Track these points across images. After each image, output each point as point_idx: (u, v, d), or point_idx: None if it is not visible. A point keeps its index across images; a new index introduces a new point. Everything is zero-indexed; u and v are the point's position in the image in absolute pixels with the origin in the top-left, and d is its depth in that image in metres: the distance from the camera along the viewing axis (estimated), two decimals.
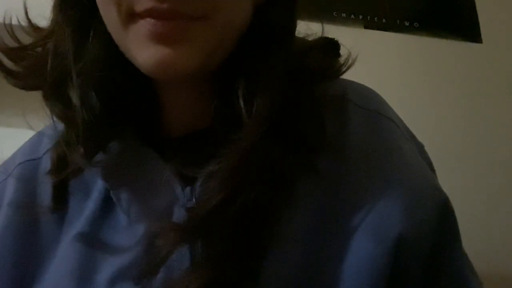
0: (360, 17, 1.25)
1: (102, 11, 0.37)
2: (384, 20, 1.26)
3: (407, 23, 1.27)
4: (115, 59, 0.39)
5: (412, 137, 0.45)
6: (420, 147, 0.45)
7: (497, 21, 1.30)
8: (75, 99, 0.39)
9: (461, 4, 1.32)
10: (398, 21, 1.27)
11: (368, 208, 0.38)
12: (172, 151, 0.41)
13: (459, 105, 1.22)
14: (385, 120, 0.43)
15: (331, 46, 0.43)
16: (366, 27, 1.25)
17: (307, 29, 0.43)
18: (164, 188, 0.40)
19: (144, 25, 0.34)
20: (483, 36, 1.28)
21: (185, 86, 0.42)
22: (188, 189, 0.40)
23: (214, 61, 0.38)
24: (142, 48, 0.35)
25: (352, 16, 1.24)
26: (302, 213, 0.38)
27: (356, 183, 0.39)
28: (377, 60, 1.12)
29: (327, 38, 0.43)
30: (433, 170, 0.44)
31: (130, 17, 0.35)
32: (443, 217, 0.39)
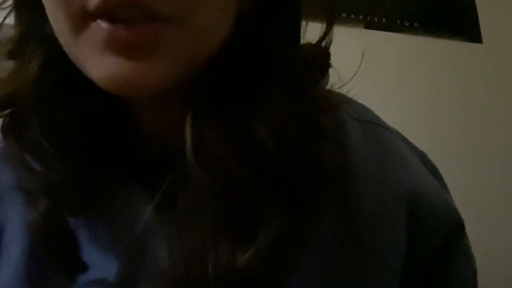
0: (360, 17, 1.25)
1: (49, 15, 0.30)
2: (384, 20, 1.26)
3: (407, 23, 1.27)
4: (65, 76, 0.33)
5: (413, 147, 0.43)
6: (422, 156, 0.43)
7: (497, 21, 1.30)
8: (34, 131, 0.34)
9: (461, 4, 1.32)
10: (398, 21, 1.27)
11: (376, 231, 0.36)
12: (148, 173, 0.36)
13: (459, 105, 1.22)
14: (386, 131, 0.40)
15: (320, 63, 0.38)
16: (366, 27, 1.25)
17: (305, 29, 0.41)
18: (134, 217, 0.35)
19: (98, 31, 0.27)
20: (483, 36, 1.28)
21: (156, 102, 0.35)
22: (164, 215, 0.34)
23: (189, 74, 0.31)
24: (96, 60, 0.28)
25: (352, 16, 1.24)
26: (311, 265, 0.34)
27: (363, 206, 0.36)
28: (377, 60, 1.12)
29: (319, 49, 0.37)
30: (438, 175, 0.43)
31: (82, 19, 0.28)
32: (453, 237, 0.38)
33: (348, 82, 0.37)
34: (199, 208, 0.32)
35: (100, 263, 0.35)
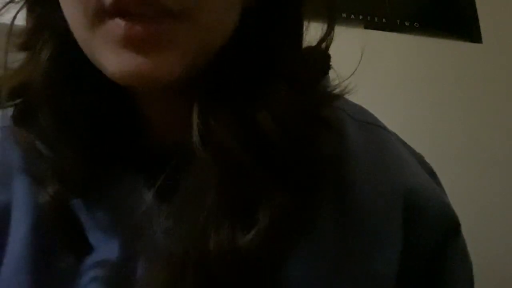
0: (360, 17, 1.25)
1: (65, 10, 0.32)
2: (384, 20, 1.26)
3: (407, 23, 1.27)
4: (72, 67, 0.35)
5: (411, 150, 0.43)
6: (419, 158, 0.42)
7: (497, 21, 1.30)
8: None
9: (461, 4, 1.32)
10: (398, 21, 1.27)
11: (372, 230, 0.36)
12: (152, 164, 0.37)
13: (459, 105, 1.22)
14: (384, 132, 0.41)
15: (321, 64, 0.39)
16: (366, 27, 1.25)
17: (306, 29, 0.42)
18: (135, 202, 0.36)
19: (114, 27, 0.29)
20: (483, 36, 1.28)
21: (161, 95, 0.37)
22: (166, 199, 0.35)
23: (197, 67, 0.33)
24: (112, 55, 0.30)
25: (352, 16, 1.24)
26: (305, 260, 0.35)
27: (361, 203, 0.37)
28: (377, 60, 1.12)
29: (319, 51, 0.38)
30: (435, 177, 0.43)
31: (99, 16, 0.29)
32: (450, 236, 0.38)
33: (346, 79, 0.38)
34: (201, 192, 0.33)
35: (103, 245, 0.36)
